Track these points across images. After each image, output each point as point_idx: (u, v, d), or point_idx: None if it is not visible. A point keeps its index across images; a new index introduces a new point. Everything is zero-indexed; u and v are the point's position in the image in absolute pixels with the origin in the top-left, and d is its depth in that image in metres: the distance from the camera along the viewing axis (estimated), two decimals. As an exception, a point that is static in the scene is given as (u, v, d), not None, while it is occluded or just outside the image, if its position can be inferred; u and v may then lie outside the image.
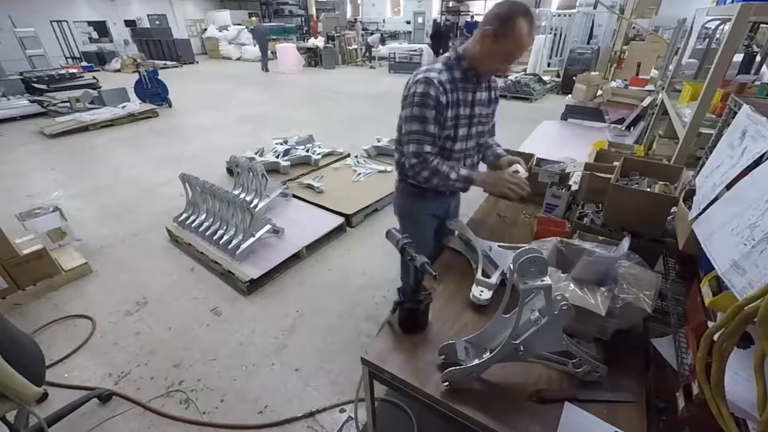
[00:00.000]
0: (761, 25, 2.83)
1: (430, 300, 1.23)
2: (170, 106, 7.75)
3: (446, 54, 1.41)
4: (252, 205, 3.13)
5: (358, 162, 4.51)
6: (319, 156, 4.53)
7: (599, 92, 5.88)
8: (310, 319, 2.43)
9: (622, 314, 1.08)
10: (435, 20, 13.46)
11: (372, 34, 15.57)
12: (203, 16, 18.18)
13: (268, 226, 2.95)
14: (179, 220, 3.21)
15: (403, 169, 1.53)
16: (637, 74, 6.08)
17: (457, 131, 1.45)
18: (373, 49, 14.13)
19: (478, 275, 1.39)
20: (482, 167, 1.77)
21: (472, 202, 2.35)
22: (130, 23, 15.72)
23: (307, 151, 4.61)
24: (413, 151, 1.39)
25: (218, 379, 2.03)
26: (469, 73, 1.39)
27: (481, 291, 1.34)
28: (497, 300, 1.28)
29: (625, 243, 1.19)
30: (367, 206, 3.59)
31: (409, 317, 1.23)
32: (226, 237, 2.90)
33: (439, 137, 1.43)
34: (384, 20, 21.52)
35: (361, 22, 17.52)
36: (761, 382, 0.67)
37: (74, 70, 10.29)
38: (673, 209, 1.40)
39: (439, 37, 12.47)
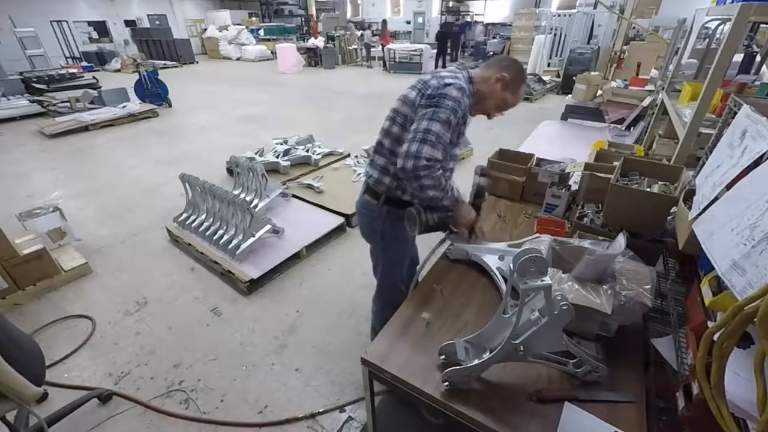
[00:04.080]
0: (761, 25, 2.84)
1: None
2: (170, 106, 7.75)
3: (463, 74, 1.37)
4: (252, 205, 3.13)
5: (357, 162, 4.51)
6: (319, 156, 4.53)
7: (599, 92, 5.88)
8: (310, 319, 2.43)
9: (625, 310, 1.08)
10: (441, 23, 13.58)
11: (364, 31, 15.41)
12: (203, 16, 18.16)
13: (268, 226, 2.95)
14: (179, 220, 3.21)
15: (389, 174, 1.45)
16: (637, 74, 6.08)
17: (455, 148, 1.45)
18: (372, 49, 14.12)
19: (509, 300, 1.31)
20: None
21: (472, 202, 2.35)
22: (130, 23, 15.72)
23: (307, 151, 4.61)
24: (426, 153, 1.21)
25: (218, 379, 2.03)
26: (471, 100, 1.38)
27: None
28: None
29: (622, 239, 1.19)
30: (367, 206, 3.58)
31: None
32: (226, 237, 2.90)
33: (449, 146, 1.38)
34: (385, 20, 21.49)
35: (359, 22, 17.49)
36: (761, 382, 0.67)
37: (74, 70, 10.28)
38: (673, 209, 1.40)
39: (445, 37, 12.45)
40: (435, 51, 12.49)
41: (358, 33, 15.04)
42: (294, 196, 3.74)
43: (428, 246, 1.69)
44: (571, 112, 6.09)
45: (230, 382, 2.01)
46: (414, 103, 1.33)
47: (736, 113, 1.19)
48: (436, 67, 12.45)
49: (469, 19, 17.77)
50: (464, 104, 1.28)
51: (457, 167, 1.59)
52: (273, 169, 4.18)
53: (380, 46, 13.11)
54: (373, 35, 15.33)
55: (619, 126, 5.16)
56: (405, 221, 1.46)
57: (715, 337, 0.76)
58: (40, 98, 7.67)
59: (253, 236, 2.84)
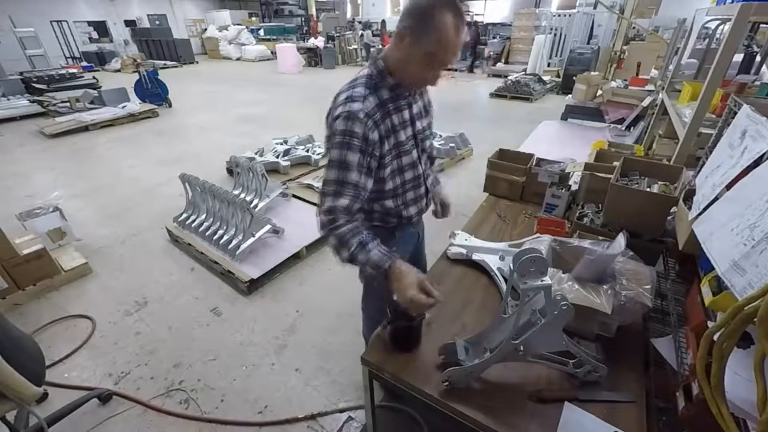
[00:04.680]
0: (761, 25, 2.84)
1: (423, 317, 1.15)
2: (170, 106, 7.74)
3: (366, 70, 1.13)
4: (252, 205, 3.13)
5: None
6: (319, 156, 4.53)
7: (599, 92, 5.88)
8: (310, 319, 2.43)
9: (625, 310, 1.08)
10: None
11: (364, 31, 15.31)
12: (203, 16, 18.16)
13: (268, 226, 2.95)
14: (179, 220, 3.21)
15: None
16: (637, 74, 6.09)
17: (402, 160, 1.19)
18: (372, 49, 14.14)
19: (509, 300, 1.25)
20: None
21: (471, 200, 2.35)
22: (130, 23, 15.71)
23: (307, 151, 4.61)
24: (326, 207, 1.07)
25: (218, 378, 2.03)
26: (399, 90, 1.14)
27: None
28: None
29: (622, 239, 1.19)
30: (367, 206, 3.58)
31: (402, 335, 1.16)
32: (226, 237, 2.90)
33: (365, 188, 1.12)
34: (384, 20, 21.51)
35: (360, 22, 17.47)
36: (761, 382, 0.67)
37: (74, 70, 10.27)
38: (673, 209, 1.40)
39: None
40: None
41: (360, 33, 15.04)
42: (294, 196, 3.74)
43: (429, 244, 1.69)
44: (571, 112, 6.10)
45: (230, 382, 2.01)
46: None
47: (736, 113, 1.19)
48: None
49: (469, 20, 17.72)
50: (358, 132, 1.04)
51: (456, 168, 1.56)
52: (273, 169, 4.19)
53: (380, 46, 13.10)
54: (374, 35, 15.32)
55: (619, 126, 5.17)
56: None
57: (715, 337, 0.76)
58: (40, 98, 7.66)
59: (253, 236, 2.84)
